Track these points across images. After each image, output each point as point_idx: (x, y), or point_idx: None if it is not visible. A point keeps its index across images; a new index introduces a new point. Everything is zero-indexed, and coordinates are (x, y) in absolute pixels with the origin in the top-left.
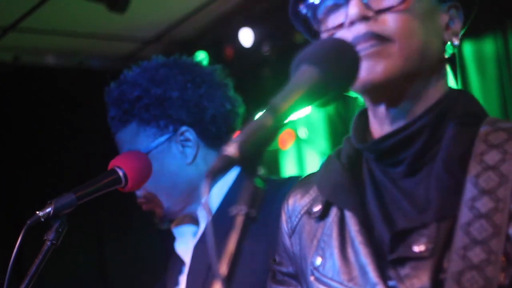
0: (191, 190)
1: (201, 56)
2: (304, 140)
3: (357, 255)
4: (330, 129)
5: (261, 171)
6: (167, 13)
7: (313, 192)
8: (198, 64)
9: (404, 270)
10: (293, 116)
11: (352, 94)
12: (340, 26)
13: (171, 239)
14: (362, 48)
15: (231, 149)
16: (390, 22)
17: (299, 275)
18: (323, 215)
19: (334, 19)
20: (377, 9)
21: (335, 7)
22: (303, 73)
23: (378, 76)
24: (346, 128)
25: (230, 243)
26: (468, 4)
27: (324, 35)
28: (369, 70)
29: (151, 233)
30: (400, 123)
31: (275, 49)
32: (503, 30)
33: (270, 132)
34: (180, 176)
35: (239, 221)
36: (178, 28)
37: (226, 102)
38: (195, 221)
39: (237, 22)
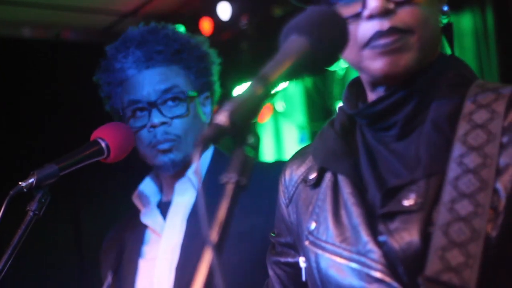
0: (191, 159)
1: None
2: (281, 113)
3: (350, 216)
4: (307, 102)
5: (251, 139)
6: None
7: (309, 162)
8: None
9: (394, 224)
10: (282, 86)
11: (335, 67)
12: (357, 15)
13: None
14: (385, 43)
15: (221, 118)
16: (410, 15)
17: (296, 243)
18: (318, 182)
19: (349, 7)
20: (397, 0)
21: None
22: (293, 42)
23: (401, 69)
24: (323, 101)
25: (220, 211)
26: None
27: None
28: (391, 64)
29: (127, 202)
30: (391, 88)
31: (253, 23)
32: (481, 5)
33: (260, 102)
34: (201, 132)
35: (229, 189)
36: (156, 1)
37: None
38: (167, 191)
39: None
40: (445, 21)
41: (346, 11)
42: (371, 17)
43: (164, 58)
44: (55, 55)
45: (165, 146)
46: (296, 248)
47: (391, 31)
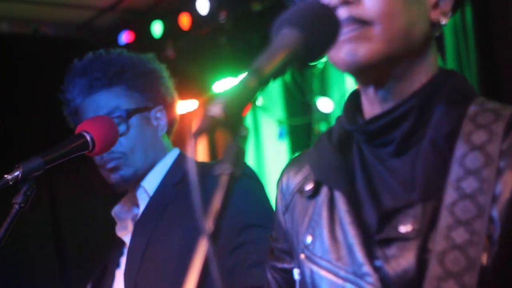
0: (150, 167)
1: (157, 27)
2: (260, 107)
3: (345, 235)
4: (286, 97)
5: (244, 131)
6: None
7: (306, 170)
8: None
9: (390, 251)
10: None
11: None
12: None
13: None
14: (344, 32)
15: (215, 110)
16: (371, 5)
17: (292, 252)
18: (314, 194)
19: None
20: None
21: None
22: (285, 35)
23: (360, 59)
24: (302, 96)
25: (215, 202)
26: None
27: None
28: (351, 52)
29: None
30: (389, 104)
31: (232, 17)
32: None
33: (253, 94)
34: (153, 145)
35: (224, 180)
36: None
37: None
38: (135, 205)
39: None
40: (437, 32)
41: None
42: (334, 7)
43: (104, 83)
44: (34, 49)
45: (112, 164)
46: (291, 255)
47: (350, 20)
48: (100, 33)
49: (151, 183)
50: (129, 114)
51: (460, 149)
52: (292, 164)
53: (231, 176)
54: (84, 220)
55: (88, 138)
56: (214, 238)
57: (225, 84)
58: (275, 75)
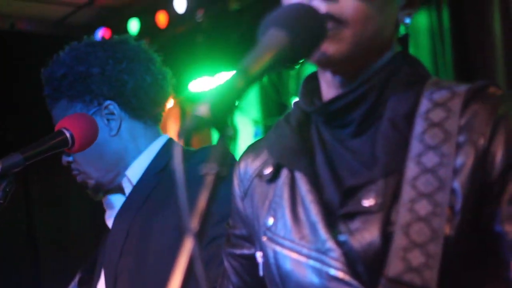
0: (118, 161)
1: (133, 25)
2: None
3: (308, 213)
4: (262, 97)
5: (231, 131)
6: None
7: (264, 156)
8: (123, 41)
9: (354, 224)
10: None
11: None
12: None
13: (100, 207)
14: None
15: (202, 109)
16: (350, 7)
17: (252, 237)
18: (274, 177)
19: None
20: None
21: None
22: (272, 36)
23: (324, 58)
24: (278, 96)
25: (200, 201)
26: None
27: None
28: (322, 51)
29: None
30: (348, 87)
31: (209, 16)
32: (437, 3)
33: (240, 94)
34: (106, 148)
35: (209, 179)
36: None
37: (147, 75)
38: (123, 192)
39: None
40: (402, 32)
41: None
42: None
43: (51, 100)
44: (10, 45)
45: (78, 179)
46: (251, 240)
47: (327, 17)
48: (76, 30)
49: (134, 171)
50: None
51: (419, 126)
52: (250, 151)
53: (217, 176)
54: (58, 218)
55: (68, 135)
56: (198, 237)
57: (201, 83)
58: (261, 75)
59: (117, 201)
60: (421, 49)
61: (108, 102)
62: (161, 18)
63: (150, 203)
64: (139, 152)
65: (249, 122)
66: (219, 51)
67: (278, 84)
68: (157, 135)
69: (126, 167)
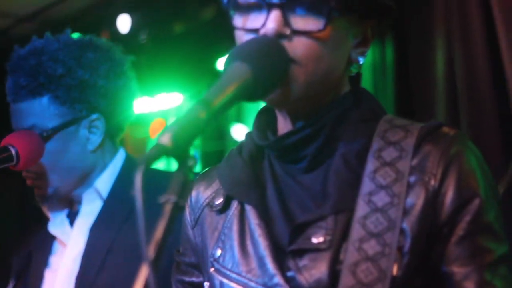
0: (86, 176)
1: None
2: None
3: (256, 247)
4: None
5: (191, 162)
6: None
7: (216, 185)
8: (114, 50)
9: (303, 261)
10: (165, 106)
11: None
12: (256, 30)
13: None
14: None
15: (164, 139)
16: (302, 46)
17: (201, 266)
18: (224, 208)
19: (253, 21)
20: (295, 29)
21: (258, 7)
22: (236, 69)
23: (277, 99)
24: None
25: (158, 230)
26: (384, 19)
27: (239, 33)
28: (274, 92)
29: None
30: (301, 123)
31: (152, 38)
32: (381, 38)
33: (203, 125)
34: (80, 161)
35: (168, 209)
36: (56, 7)
37: (136, 96)
38: (69, 204)
39: (115, 8)
40: (354, 70)
41: (248, 21)
42: (276, 39)
43: (27, 93)
44: None
45: (28, 182)
46: (200, 269)
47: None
48: (17, 43)
49: (103, 185)
50: (47, 136)
51: (370, 164)
52: (202, 179)
53: (175, 206)
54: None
55: (13, 152)
56: (154, 265)
57: (141, 103)
58: (224, 108)
59: (56, 209)
60: (363, 83)
61: (96, 115)
62: (104, 36)
63: (132, 225)
64: (105, 166)
65: None
66: (161, 73)
67: None
68: (117, 148)
69: (91, 181)
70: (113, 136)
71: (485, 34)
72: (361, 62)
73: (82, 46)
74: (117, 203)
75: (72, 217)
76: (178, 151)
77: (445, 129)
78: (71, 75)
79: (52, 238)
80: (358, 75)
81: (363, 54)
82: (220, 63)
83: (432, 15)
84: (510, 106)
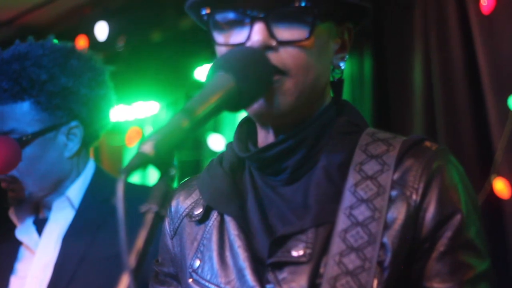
0: (60, 182)
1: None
2: None
3: (236, 258)
4: None
5: (173, 171)
6: None
7: (195, 195)
8: (95, 59)
9: (282, 274)
10: (141, 115)
11: None
12: (240, 45)
13: None
14: None
15: (147, 147)
16: (290, 57)
17: (179, 276)
18: (203, 219)
19: (236, 36)
20: (281, 39)
21: (239, 23)
22: (219, 79)
23: (269, 112)
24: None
25: (139, 239)
26: (361, 22)
27: (221, 49)
28: (264, 105)
29: None
30: (283, 134)
31: (130, 46)
32: (360, 51)
33: (185, 135)
34: (56, 167)
35: (149, 218)
36: (33, 13)
37: (113, 106)
38: (35, 210)
39: (94, 15)
40: (337, 76)
41: (231, 37)
42: (260, 49)
43: (9, 96)
44: None
45: (3, 185)
46: (178, 279)
47: (273, 67)
48: None
49: (75, 194)
50: (26, 141)
51: (352, 178)
52: (182, 189)
53: (156, 215)
54: None
55: None
56: (135, 275)
57: (117, 111)
58: (207, 118)
59: (23, 215)
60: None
61: (76, 123)
62: (81, 43)
63: (104, 235)
64: (78, 175)
65: None
66: (138, 81)
67: None
68: (88, 157)
69: (65, 188)
70: (88, 145)
71: (463, 46)
72: (342, 68)
73: (66, 53)
74: (89, 213)
75: (38, 224)
76: (160, 160)
77: (427, 143)
78: (54, 81)
79: (18, 244)
80: (340, 82)
81: (343, 59)
82: (198, 73)
83: (410, 27)
84: (487, 119)
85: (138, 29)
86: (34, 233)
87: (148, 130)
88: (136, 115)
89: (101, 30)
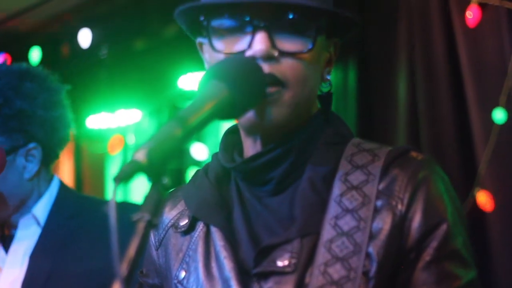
0: (21, 202)
1: (35, 54)
2: (132, 146)
3: (221, 269)
4: None
5: (166, 180)
6: (5, 3)
7: (181, 206)
8: (51, 79)
9: (268, 284)
10: (124, 123)
11: None
12: (240, 53)
13: None
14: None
15: (139, 155)
16: (290, 68)
17: (164, 287)
18: (189, 230)
19: (236, 43)
20: (282, 50)
21: (239, 30)
22: (212, 87)
23: (262, 123)
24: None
25: (131, 248)
26: (346, 36)
27: (218, 56)
28: (261, 116)
29: None
30: (269, 145)
31: (113, 53)
32: (343, 63)
33: (178, 143)
34: (17, 189)
35: (141, 227)
36: (14, 20)
37: (71, 125)
38: (1, 228)
39: (77, 22)
40: (325, 90)
41: (230, 45)
42: (253, 59)
43: None
44: None
45: None
46: None
47: (270, 77)
48: None
49: (42, 212)
50: None
51: (337, 188)
52: (168, 199)
53: (148, 224)
54: None
55: None
56: (126, 284)
57: (99, 119)
58: (200, 126)
59: None
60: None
61: (34, 145)
62: (65, 50)
63: (72, 250)
64: (42, 194)
65: None
66: (120, 89)
67: None
68: (51, 175)
69: (28, 208)
70: (48, 164)
71: (448, 59)
72: (328, 78)
73: (20, 76)
74: (55, 230)
75: (4, 241)
76: (153, 168)
77: (413, 153)
78: (9, 105)
79: None
80: (329, 95)
81: (329, 73)
82: (181, 81)
83: (395, 40)
84: (471, 132)
85: (122, 37)
86: (1, 250)
87: (131, 138)
88: (118, 123)
89: (85, 38)
